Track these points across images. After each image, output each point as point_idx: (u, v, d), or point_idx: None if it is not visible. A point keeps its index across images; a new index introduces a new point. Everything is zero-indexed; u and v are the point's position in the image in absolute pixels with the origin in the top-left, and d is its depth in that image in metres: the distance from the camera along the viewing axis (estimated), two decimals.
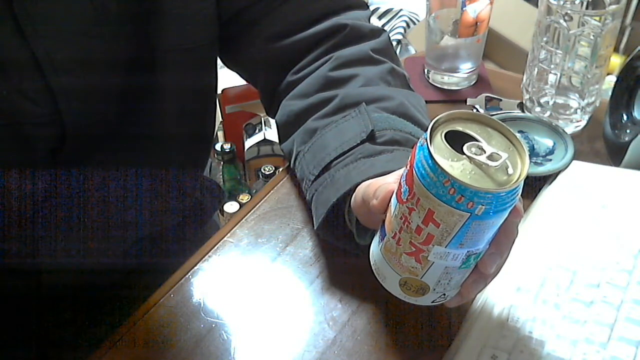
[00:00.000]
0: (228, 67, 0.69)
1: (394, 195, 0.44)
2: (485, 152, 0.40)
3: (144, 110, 0.60)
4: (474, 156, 0.39)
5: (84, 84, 0.54)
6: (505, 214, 0.41)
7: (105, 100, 0.58)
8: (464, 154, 0.40)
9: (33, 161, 0.56)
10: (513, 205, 0.41)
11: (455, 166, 0.39)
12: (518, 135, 0.42)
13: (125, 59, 0.57)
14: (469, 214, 0.39)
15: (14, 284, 0.59)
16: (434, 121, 0.41)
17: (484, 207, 0.39)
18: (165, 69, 0.59)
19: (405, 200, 0.41)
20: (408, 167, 0.41)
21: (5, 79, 0.51)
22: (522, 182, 0.40)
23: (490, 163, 0.39)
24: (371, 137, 0.54)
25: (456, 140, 0.40)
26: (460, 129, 0.41)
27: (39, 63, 0.51)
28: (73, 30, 0.53)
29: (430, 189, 0.39)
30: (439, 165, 0.38)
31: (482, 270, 0.44)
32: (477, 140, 0.40)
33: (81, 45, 0.54)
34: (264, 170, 1.34)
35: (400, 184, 0.42)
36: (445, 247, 0.41)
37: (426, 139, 0.40)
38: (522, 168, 0.40)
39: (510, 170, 0.40)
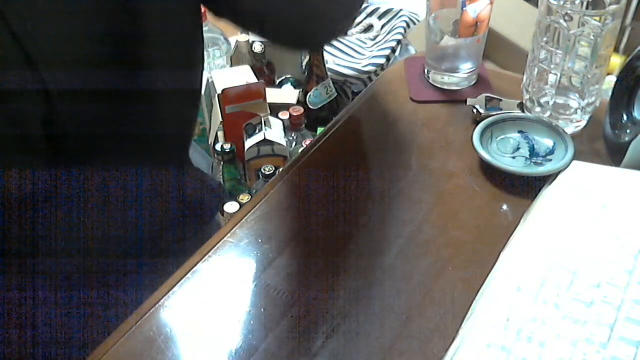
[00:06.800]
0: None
1: None
2: None
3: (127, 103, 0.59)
4: None
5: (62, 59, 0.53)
6: None
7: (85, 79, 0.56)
8: None
9: (32, 162, 0.56)
10: None
11: None
12: None
13: (109, 32, 0.55)
14: None
15: (14, 284, 0.59)
16: None
17: None
18: (151, 45, 0.57)
19: None
20: None
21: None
22: None
23: None
24: None
25: None
26: None
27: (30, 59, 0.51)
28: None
29: None
30: None
31: None
32: None
33: (60, 22, 0.52)
34: (264, 170, 1.34)
35: None
36: None
37: None
38: None
39: None
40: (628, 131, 0.63)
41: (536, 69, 0.68)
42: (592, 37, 0.63)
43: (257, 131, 1.38)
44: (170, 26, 0.59)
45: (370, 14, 1.90)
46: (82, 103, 0.55)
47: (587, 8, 0.65)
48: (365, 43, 1.84)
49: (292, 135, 1.50)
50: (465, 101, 0.75)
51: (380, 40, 1.82)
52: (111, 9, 0.54)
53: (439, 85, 0.79)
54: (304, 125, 1.51)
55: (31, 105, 0.53)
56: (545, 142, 0.67)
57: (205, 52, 1.73)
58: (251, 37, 1.72)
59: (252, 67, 1.54)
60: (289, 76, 1.76)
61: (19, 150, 0.55)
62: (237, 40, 1.69)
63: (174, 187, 0.66)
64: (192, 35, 0.62)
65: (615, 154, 0.64)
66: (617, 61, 1.53)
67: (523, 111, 0.72)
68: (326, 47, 1.76)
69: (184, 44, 0.61)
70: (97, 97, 0.57)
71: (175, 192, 0.66)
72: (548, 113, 0.70)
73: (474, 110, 0.73)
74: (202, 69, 0.67)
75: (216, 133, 1.49)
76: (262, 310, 0.53)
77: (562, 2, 0.64)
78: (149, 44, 0.58)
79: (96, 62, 0.55)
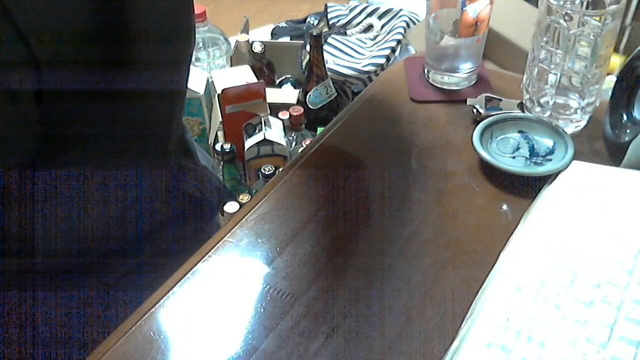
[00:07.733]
0: None
1: None
2: None
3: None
4: None
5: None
6: None
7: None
8: None
9: (32, 161, 0.56)
10: None
11: None
12: None
13: (105, 31, 0.54)
14: None
15: (13, 284, 0.59)
16: None
17: None
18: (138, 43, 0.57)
19: None
20: None
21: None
22: None
23: None
24: None
25: None
26: None
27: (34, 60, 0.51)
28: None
29: None
30: None
31: None
32: None
33: (60, 21, 0.52)
34: (264, 170, 1.34)
35: None
36: None
37: None
38: None
39: None
40: (628, 131, 0.63)
41: (536, 69, 0.68)
42: (592, 37, 0.63)
43: (257, 131, 1.38)
44: (165, 25, 0.59)
45: (370, 14, 1.90)
46: (76, 103, 0.55)
47: (587, 8, 0.65)
48: (365, 43, 1.84)
49: (292, 135, 1.50)
50: (465, 101, 0.75)
51: (380, 40, 1.82)
52: (107, 8, 0.54)
53: (439, 85, 0.79)
54: (304, 125, 1.51)
55: (30, 105, 0.53)
56: (545, 142, 0.67)
57: (205, 52, 1.73)
58: (251, 37, 1.72)
59: (252, 67, 1.54)
60: (289, 76, 1.76)
61: (18, 150, 0.55)
62: (237, 40, 1.69)
63: (173, 186, 0.66)
64: (186, 34, 0.62)
65: (615, 154, 0.64)
66: (617, 61, 1.53)
67: (523, 111, 0.72)
68: (326, 47, 1.76)
69: (177, 43, 0.61)
70: (91, 96, 0.57)
71: (175, 191, 0.66)
72: (548, 113, 0.70)
73: (474, 110, 0.73)
74: (189, 68, 0.67)
75: (216, 133, 1.49)
76: (262, 310, 0.53)
77: (562, 2, 0.64)
78: (142, 43, 0.57)
79: (91, 61, 0.55)
